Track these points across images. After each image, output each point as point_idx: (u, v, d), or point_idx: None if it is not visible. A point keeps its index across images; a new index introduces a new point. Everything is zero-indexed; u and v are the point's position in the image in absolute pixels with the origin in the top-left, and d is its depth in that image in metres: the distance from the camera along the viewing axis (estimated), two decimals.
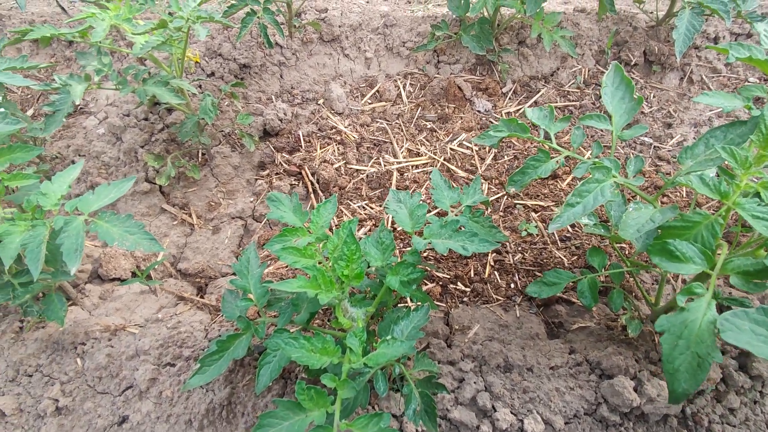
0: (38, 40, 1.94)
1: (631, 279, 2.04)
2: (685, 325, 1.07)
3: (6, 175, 1.60)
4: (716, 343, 1.04)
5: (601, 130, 2.77)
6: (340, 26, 3.15)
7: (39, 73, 3.20)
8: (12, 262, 1.38)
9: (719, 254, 1.25)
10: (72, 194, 2.50)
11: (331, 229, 2.34)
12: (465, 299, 2.07)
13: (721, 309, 1.18)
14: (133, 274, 2.20)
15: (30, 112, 3.09)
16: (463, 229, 1.51)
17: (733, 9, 2.49)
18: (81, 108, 2.97)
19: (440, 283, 2.12)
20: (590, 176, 1.43)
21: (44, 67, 1.77)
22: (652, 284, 2.09)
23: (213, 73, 2.90)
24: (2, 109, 2.03)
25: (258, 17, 2.52)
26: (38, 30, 1.81)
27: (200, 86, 2.84)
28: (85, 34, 1.89)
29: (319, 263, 1.42)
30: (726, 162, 1.33)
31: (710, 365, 1.02)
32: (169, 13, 2.22)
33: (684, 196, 2.43)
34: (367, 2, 3.85)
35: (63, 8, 2.88)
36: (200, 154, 2.66)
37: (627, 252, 2.20)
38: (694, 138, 2.72)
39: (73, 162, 2.59)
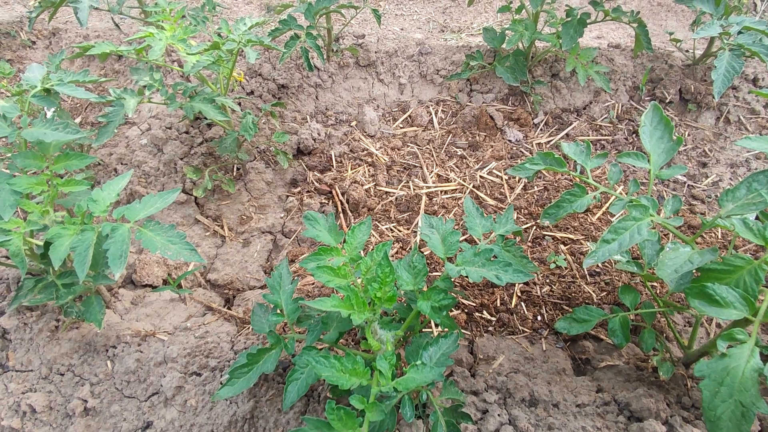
0: (95, 55, 2.06)
1: (663, 319, 1.99)
2: (727, 372, 1.05)
3: (60, 180, 1.68)
4: (760, 393, 1.01)
5: (634, 167, 2.75)
6: (376, 52, 3.25)
7: (90, 86, 3.37)
8: (60, 263, 1.45)
9: (761, 300, 1.23)
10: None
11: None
12: (490, 329, 2.05)
13: (764, 358, 1.15)
14: (165, 282, 2.26)
15: (78, 120, 3.25)
16: (495, 258, 1.52)
17: None
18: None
19: (465, 310, 2.11)
20: (627, 214, 1.43)
21: (103, 81, 1.88)
22: (684, 326, 2.04)
23: (252, 92, 3.01)
24: (57, 119, 2.15)
25: (300, 41, 2.63)
26: (99, 46, 1.93)
27: (240, 104, 2.95)
28: (141, 52, 2.00)
29: (352, 284, 1.44)
30: None
31: (755, 416, 0.99)
32: (219, 35, 2.33)
33: (719, 237, 2.38)
34: (402, 29, 3.97)
35: (117, 25, 3.06)
36: (235, 169, 2.74)
37: (658, 291, 2.15)
38: (730, 178, 2.68)
39: (115, 170, 2.71)
